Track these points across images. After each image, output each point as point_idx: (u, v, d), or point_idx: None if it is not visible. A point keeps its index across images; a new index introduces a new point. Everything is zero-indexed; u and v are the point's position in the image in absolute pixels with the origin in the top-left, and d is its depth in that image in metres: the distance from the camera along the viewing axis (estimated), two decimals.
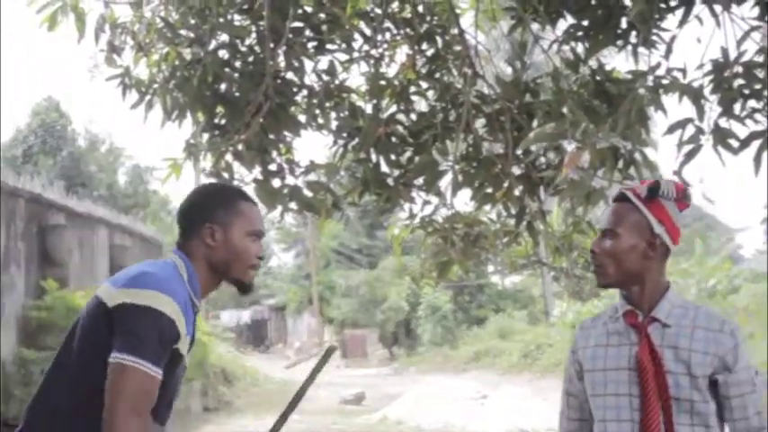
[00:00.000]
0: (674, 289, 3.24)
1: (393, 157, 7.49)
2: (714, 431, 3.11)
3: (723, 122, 6.22)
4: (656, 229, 3.14)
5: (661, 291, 3.19)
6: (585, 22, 6.79)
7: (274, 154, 7.43)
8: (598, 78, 6.79)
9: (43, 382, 2.99)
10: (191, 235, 3.06)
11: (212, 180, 3.01)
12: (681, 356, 3.09)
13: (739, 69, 6.24)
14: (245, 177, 7.41)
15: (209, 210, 3.05)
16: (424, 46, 7.69)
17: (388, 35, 7.73)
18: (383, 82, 7.51)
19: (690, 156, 6.16)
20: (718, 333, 3.10)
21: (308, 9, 7.41)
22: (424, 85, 7.80)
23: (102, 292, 2.91)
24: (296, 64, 7.22)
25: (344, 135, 7.53)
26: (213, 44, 7.04)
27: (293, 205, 7.30)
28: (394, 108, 7.58)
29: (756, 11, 6.30)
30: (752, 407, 3.10)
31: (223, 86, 7.18)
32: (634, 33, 6.63)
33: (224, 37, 7.19)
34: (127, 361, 2.73)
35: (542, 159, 7.42)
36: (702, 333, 3.10)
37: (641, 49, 6.66)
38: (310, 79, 7.51)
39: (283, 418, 3.03)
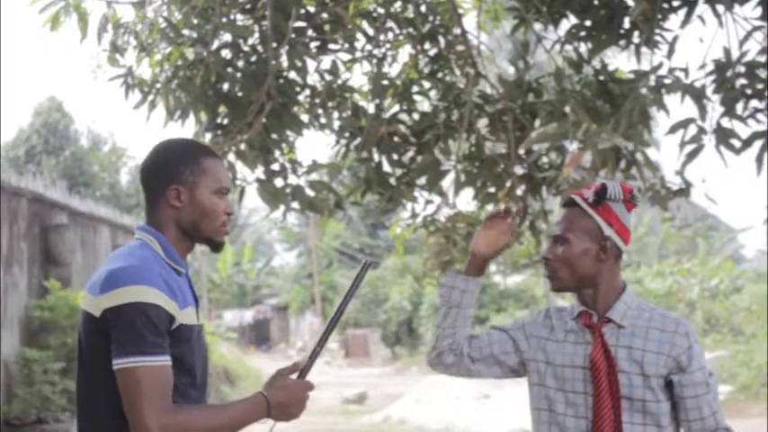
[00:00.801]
0: (631, 290, 3.28)
1: (395, 156, 7.50)
2: (667, 430, 3.15)
3: (725, 122, 6.23)
4: (605, 231, 3.18)
5: (616, 292, 3.23)
6: (588, 22, 6.80)
7: (277, 153, 7.44)
8: (601, 78, 6.80)
9: (76, 396, 3.00)
10: (157, 198, 2.96)
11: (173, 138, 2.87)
12: (634, 356, 3.13)
13: (741, 69, 6.25)
14: (248, 177, 7.43)
15: (172, 170, 2.94)
16: (427, 46, 7.69)
17: (390, 35, 7.74)
18: (386, 82, 7.52)
19: (692, 155, 6.18)
20: (673, 334, 3.13)
21: (311, 9, 7.41)
22: (427, 84, 7.81)
23: (85, 303, 2.86)
24: (298, 64, 7.23)
25: (347, 135, 7.54)
26: (216, 44, 7.05)
27: (296, 205, 7.31)
28: (396, 108, 7.59)
29: (759, 11, 6.31)
30: (707, 407, 3.14)
31: (226, 86, 7.18)
32: (637, 33, 6.64)
33: (227, 37, 7.19)
34: (131, 363, 2.69)
35: (544, 159, 7.43)
36: (657, 334, 3.14)
37: (644, 49, 6.67)
38: (313, 79, 7.53)
39: (323, 338, 3.00)
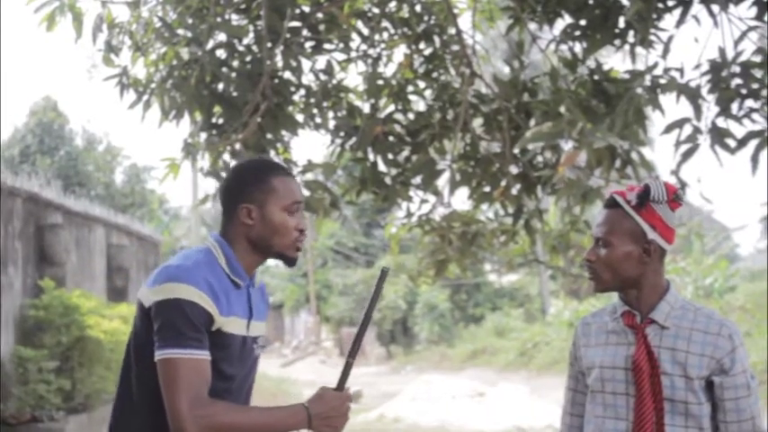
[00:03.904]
0: (674, 289, 3.23)
1: (391, 156, 7.50)
2: None
3: (720, 122, 6.23)
4: (649, 235, 3.13)
5: (659, 292, 3.19)
6: (583, 22, 6.80)
7: (272, 153, 7.44)
8: (596, 78, 6.81)
9: (118, 385, 3.09)
10: (229, 216, 3.08)
11: (247, 158, 3.03)
12: (677, 358, 3.10)
13: (737, 69, 6.26)
14: None
15: (242, 190, 3.06)
16: (422, 45, 7.70)
17: (385, 35, 7.74)
18: (381, 81, 7.53)
19: (687, 155, 6.18)
20: (717, 336, 3.09)
21: (306, 9, 7.41)
22: (422, 84, 7.82)
23: (140, 293, 2.99)
24: (293, 63, 7.23)
25: (342, 134, 7.55)
26: (211, 44, 7.04)
27: None
28: (391, 107, 7.60)
29: (754, 11, 6.31)
30: (746, 411, 3.10)
31: (221, 86, 7.18)
32: (632, 33, 6.64)
33: (221, 36, 7.19)
34: (171, 354, 2.82)
35: (540, 158, 7.43)
36: (701, 336, 3.10)
37: (639, 49, 6.68)
38: (308, 79, 7.53)
39: (354, 349, 3.05)
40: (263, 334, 3.19)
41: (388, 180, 7.53)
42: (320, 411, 2.90)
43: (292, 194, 3.08)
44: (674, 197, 3.17)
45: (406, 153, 7.60)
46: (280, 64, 7.21)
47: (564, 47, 7.07)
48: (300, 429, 2.92)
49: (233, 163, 7.37)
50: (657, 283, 3.19)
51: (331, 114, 7.59)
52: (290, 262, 3.14)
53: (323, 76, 7.48)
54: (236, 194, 3.08)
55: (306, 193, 7.31)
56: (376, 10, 7.64)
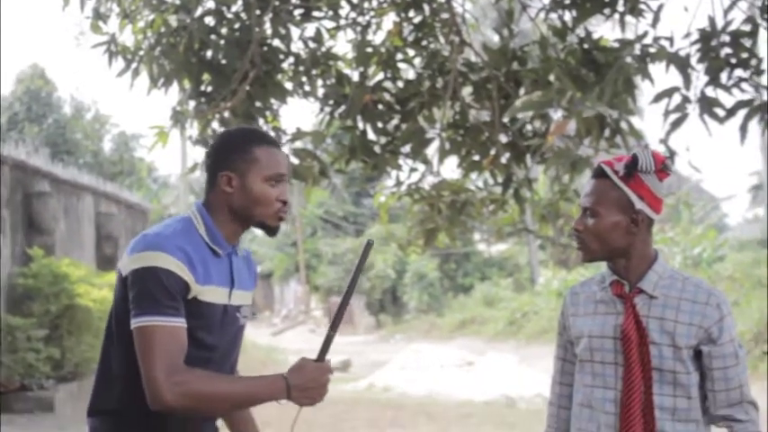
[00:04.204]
0: (662, 258, 3.23)
1: (380, 124, 7.49)
2: (696, 401, 3.13)
3: (710, 91, 6.24)
4: (637, 205, 3.12)
5: (648, 262, 3.19)
6: None
7: (261, 121, 7.42)
8: (585, 47, 6.79)
9: (99, 359, 3.08)
10: (211, 184, 3.06)
11: (235, 126, 2.99)
12: (666, 328, 3.10)
13: (726, 38, 6.26)
14: None
15: (224, 157, 3.04)
16: (411, 13, 7.66)
17: (374, 2, 7.71)
18: (370, 49, 7.49)
19: (676, 124, 6.19)
20: (705, 305, 3.09)
21: None
22: (411, 52, 7.78)
23: (120, 262, 2.98)
24: (282, 31, 7.20)
25: (331, 102, 7.52)
26: (199, 11, 7.01)
27: None
28: (381, 75, 7.57)
29: None
30: (734, 379, 3.11)
31: (209, 54, 7.15)
32: (621, 2, 6.63)
33: (210, 4, 7.16)
34: (146, 322, 2.81)
35: (529, 127, 7.43)
36: (689, 305, 3.10)
37: (628, 18, 6.66)
38: (297, 46, 7.50)
39: (336, 322, 3.05)
40: (247, 303, 3.17)
41: (377, 148, 7.51)
42: (299, 382, 2.87)
43: (275, 165, 3.04)
44: (662, 167, 3.16)
45: (395, 121, 7.58)
46: (269, 31, 7.18)
47: (553, 15, 7.05)
48: (279, 399, 2.90)
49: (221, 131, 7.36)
50: (646, 253, 3.19)
51: (320, 82, 7.56)
52: (271, 232, 3.12)
53: (312, 44, 7.45)
54: (217, 162, 3.05)
55: (295, 161, 7.29)
56: None
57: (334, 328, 3.04)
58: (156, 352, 2.78)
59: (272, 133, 7.42)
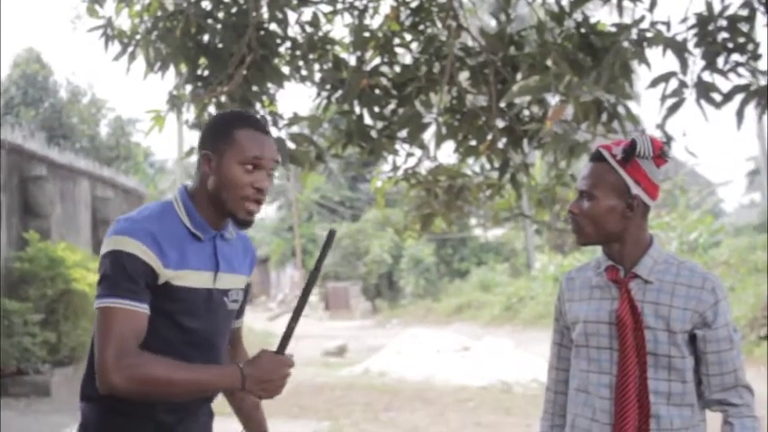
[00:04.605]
0: (657, 243, 3.23)
1: (377, 109, 7.47)
2: (691, 386, 3.14)
3: (706, 76, 6.23)
4: (633, 190, 3.13)
5: (643, 247, 3.19)
6: None
7: (258, 106, 7.40)
8: (582, 31, 6.78)
9: (91, 339, 3.05)
10: (198, 165, 3.05)
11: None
12: (660, 312, 3.11)
13: (723, 23, 6.25)
14: None
15: (206, 138, 3.03)
16: None
17: None
18: (367, 34, 7.48)
19: (673, 109, 6.18)
20: (700, 290, 3.11)
21: None
22: (408, 37, 7.76)
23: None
24: (279, 15, 7.18)
25: (328, 87, 7.51)
26: None
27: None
28: (378, 60, 7.56)
29: None
30: (728, 364, 3.12)
31: (206, 38, 7.14)
32: None
33: None
34: (104, 304, 2.81)
35: (526, 112, 7.42)
36: (684, 290, 3.11)
37: (626, 2, 6.66)
38: (294, 31, 7.48)
39: (294, 319, 3.02)
40: (238, 287, 3.14)
41: (373, 133, 7.50)
42: (255, 374, 2.84)
43: (253, 149, 2.96)
44: (660, 153, 3.17)
45: (392, 106, 7.57)
46: (265, 15, 7.16)
47: (551, 0, 7.04)
48: (234, 389, 2.90)
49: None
50: (641, 238, 3.20)
51: (317, 67, 7.55)
52: (241, 224, 3.02)
53: (309, 28, 7.43)
54: (202, 141, 3.04)
55: (291, 146, 7.28)
56: None
57: (295, 319, 3.01)
58: (108, 334, 2.77)
59: (269, 118, 7.41)
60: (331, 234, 2.97)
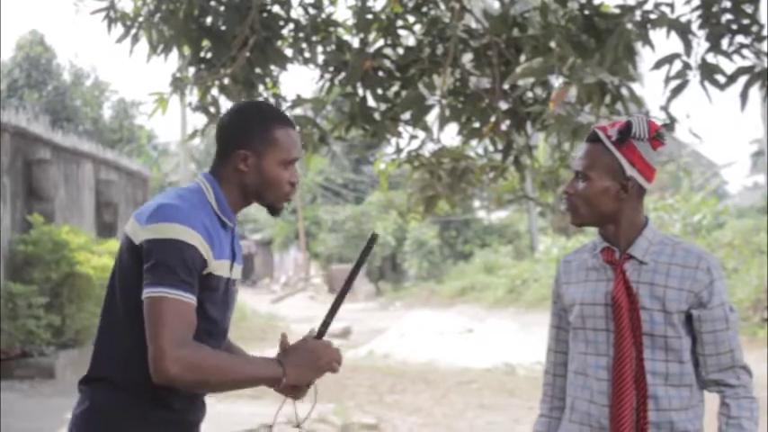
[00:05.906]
0: (653, 224, 3.24)
1: (380, 91, 7.46)
2: (688, 366, 3.14)
3: (710, 58, 6.22)
4: (628, 171, 3.13)
5: (637, 228, 3.20)
6: None
7: (261, 88, 7.40)
8: (586, 13, 6.76)
9: (99, 327, 3.04)
10: (224, 156, 3.04)
11: (251, 100, 2.92)
12: (656, 293, 3.11)
13: (727, 4, 6.24)
14: None
15: (242, 134, 3.02)
16: None
17: None
18: (370, 16, 7.46)
19: (677, 91, 6.18)
20: (695, 269, 3.10)
21: None
22: (412, 18, 7.75)
23: (129, 229, 2.93)
24: None
25: (331, 69, 7.50)
26: None
27: None
28: (381, 42, 7.54)
29: None
30: (724, 343, 3.12)
31: (209, 20, 7.12)
32: None
33: None
34: (160, 293, 2.77)
35: (529, 94, 7.41)
36: (679, 270, 3.12)
37: None
38: (297, 13, 7.47)
39: (332, 313, 3.06)
40: (239, 277, 3.18)
41: (377, 115, 7.50)
42: (294, 362, 2.90)
43: (292, 150, 3.03)
44: (656, 135, 3.16)
45: (395, 88, 7.56)
46: None
47: None
48: (277, 378, 2.89)
49: (221, 98, 7.34)
50: (635, 220, 3.20)
51: (320, 49, 7.53)
52: (276, 213, 3.13)
53: (312, 10, 7.42)
54: (235, 137, 3.02)
55: None
56: None
57: (332, 314, 3.09)
58: (166, 323, 2.74)
59: (272, 100, 7.41)
60: (373, 238, 3.03)
